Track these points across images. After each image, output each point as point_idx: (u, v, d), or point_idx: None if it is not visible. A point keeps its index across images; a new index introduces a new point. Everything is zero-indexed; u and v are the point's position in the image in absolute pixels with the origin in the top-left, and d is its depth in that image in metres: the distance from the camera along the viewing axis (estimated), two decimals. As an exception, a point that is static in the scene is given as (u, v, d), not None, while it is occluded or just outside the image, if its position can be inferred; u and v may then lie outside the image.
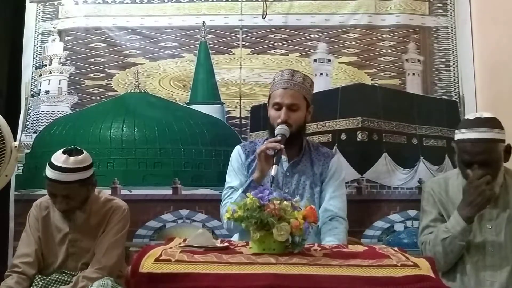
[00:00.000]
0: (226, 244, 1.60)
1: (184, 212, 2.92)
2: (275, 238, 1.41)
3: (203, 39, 3.04)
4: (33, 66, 3.09)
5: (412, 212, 2.87)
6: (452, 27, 3.04)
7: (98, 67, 3.05)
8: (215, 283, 1.27)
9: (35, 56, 3.10)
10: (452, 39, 3.03)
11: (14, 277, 2.08)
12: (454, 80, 3.00)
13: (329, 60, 3.02)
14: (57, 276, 2.14)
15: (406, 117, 2.96)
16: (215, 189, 2.83)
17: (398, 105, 2.98)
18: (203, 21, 3.05)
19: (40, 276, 2.14)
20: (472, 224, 1.96)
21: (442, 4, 3.06)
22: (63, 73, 3.06)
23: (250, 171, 2.18)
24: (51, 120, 3.01)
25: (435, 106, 2.98)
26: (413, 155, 2.94)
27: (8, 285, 2.04)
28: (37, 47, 3.11)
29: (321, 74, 3.01)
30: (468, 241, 1.99)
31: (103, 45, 3.06)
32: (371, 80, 3.00)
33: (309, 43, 3.03)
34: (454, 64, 3.00)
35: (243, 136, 2.95)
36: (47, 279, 2.13)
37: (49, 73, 3.07)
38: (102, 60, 3.05)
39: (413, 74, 3.01)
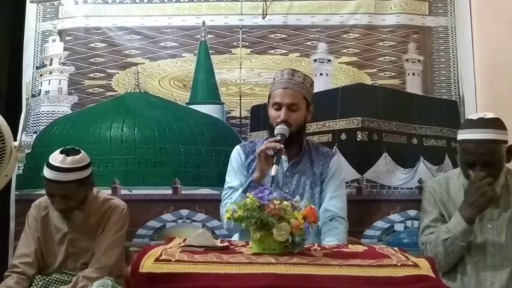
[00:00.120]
0: (226, 244, 1.60)
1: (184, 212, 2.92)
2: (275, 238, 1.41)
3: (203, 39, 3.04)
4: (33, 66, 3.09)
5: (412, 212, 2.87)
6: (452, 27, 3.04)
7: (98, 67, 3.05)
8: (215, 283, 1.27)
9: (35, 56, 3.10)
10: (452, 39, 3.03)
11: (14, 277, 2.08)
12: (454, 80, 3.00)
13: (329, 60, 3.02)
14: (57, 276, 2.14)
15: (406, 117, 2.96)
16: (215, 189, 2.83)
17: (398, 105, 2.98)
18: (203, 21, 3.05)
19: (40, 276, 2.14)
20: (473, 225, 1.96)
21: (442, 4, 3.06)
22: (63, 73, 3.06)
23: (250, 171, 2.18)
24: (51, 120, 3.01)
25: (435, 106, 2.98)
26: (413, 155, 2.94)
27: (8, 285, 2.05)
28: (37, 47, 3.11)
29: (321, 74, 3.01)
30: (469, 241, 1.99)
31: (103, 45, 3.06)
32: (371, 80, 3.00)
33: (309, 43, 3.03)
34: (454, 64, 3.00)
35: (243, 136, 2.95)
36: (47, 279, 2.13)
37: (49, 73, 3.07)
38: (102, 60, 3.05)
39: (413, 74, 3.01)
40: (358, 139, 2.92)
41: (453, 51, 3.02)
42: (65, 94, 3.04)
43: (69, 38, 3.09)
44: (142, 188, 2.91)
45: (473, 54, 2.96)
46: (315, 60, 3.02)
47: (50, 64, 3.07)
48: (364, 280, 1.27)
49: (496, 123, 1.97)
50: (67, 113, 3.02)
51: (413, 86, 3.00)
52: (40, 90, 3.06)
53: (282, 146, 1.99)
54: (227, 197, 2.16)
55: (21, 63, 3.08)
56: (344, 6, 3.05)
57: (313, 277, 1.28)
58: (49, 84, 3.05)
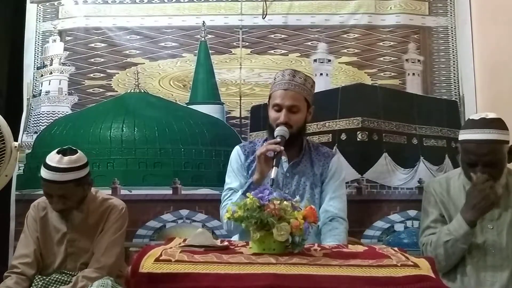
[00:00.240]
0: (226, 243, 1.60)
1: (184, 212, 2.92)
2: (275, 238, 1.41)
3: (203, 39, 3.04)
4: (34, 67, 3.09)
5: (412, 212, 2.87)
6: (452, 27, 3.04)
7: (98, 67, 3.05)
8: (215, 283, 1.27)
9: (36, 56, 3.10)
10: (452, 39, 3.03)
11: (14, 277, 2.08)
12: (454, 80, 3.00)
13: (329, 60, 3.02)
14: (56, 276, 2.14)
15: (406, 117, 2.96)
16: (215, 189, 2.83)
17: (398, 105, 2.98)
18: (203, 21, 3.05)
19: (39, 276, 2.14)
20: (475, 228, 1.96)
21: (442, 4, 3.06)
22: (63, 73, 3.06)
23: (249, 172, 2.18)
24: (52, 120, 3.02)
25: (435, 106, 2.98)
26: (413, 155, 2.94)
27: (8, 285, 2.05)
28: (38, 48, 3.11)
29: (321, 74, 3.01)
30: (470, 243, 1.99)
31: (103, 45, 3.06)
32: (371, 80, 3.00)
33: (309, 43, 3.03)
34: (454, 64, 3.00)
35: (243, 136, 2.95)
36: (47, 279, 2.13)
37: (49, 74, 3.07)
38: (102, 60, 3.05)
39: (413, 74, 3.01)
40: (358, 139, 2.92)
41: (453, 51, 3.02)
42: (65, 94, 3.05)
43: (69, 38, 3.09)
44: (142, 188, 2.91)
45: (473, 54, 2.96)
46: (315, 60, 3.02)
47: (51, 64, 3.07)
48: (364, 280, 1.27)
49: (498, 123, 1.97)
50: (67, 113, 3.03)
51: (413, 86, 3.00)
52: (41, 90, 3.06)
53: (282, 148, 1.98)
54: (227, 198, 2.16)
55: (21, 63, 3.08)
56: (344, 6, 3.05)
57: (313, 277, 1.28)
58: (49, 84, 3.06)
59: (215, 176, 2.87)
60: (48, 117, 3.02)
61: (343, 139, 2.92)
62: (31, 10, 3.12)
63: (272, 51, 3.03)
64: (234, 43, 3.04)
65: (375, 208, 2.90)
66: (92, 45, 3.07)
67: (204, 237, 1.54)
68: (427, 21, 3.05)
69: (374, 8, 3.04)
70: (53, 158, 2.07)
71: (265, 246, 1.44)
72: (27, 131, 3.00)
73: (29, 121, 3.01)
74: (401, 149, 2.94)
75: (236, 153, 2.25)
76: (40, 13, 3.13)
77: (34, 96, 3.06)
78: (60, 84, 3.05)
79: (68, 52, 3.07)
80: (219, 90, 3.01)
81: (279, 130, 2.06)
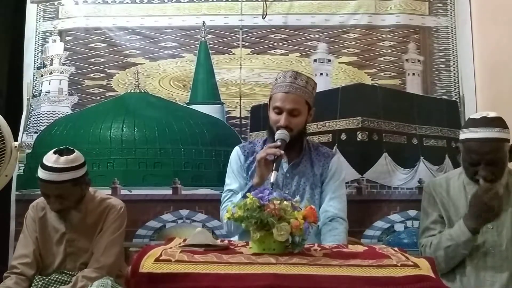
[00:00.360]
0: (226, 242, 1.60)
1: (184, 212, 2.92)
2: (275, 238, 1.41)
3: (203, 39, 3.04)
4: (34, 67, 3.09)
5: (412, 212, 2.87)
6: (452, 27, 3.04)
7: (98, 67, 3.05)
8: (215, 283, 1.27)
9: (36, 56, 3.11)
10: (452, 39, 3.03)
11: (13, 278, 2.08)
12: (454, 80, 3.00)
13: (329, 60, 3.02)
14: (56, 276, 2.14)
15: (406, 117, 2.96)
16: (215, 189, 2.83)
17: (398, 105, 2.98)
18: (203, 21, 3.05)
19: (39, 276, 2.14)
20: (477, 235, 1.96)
21: (442, 4, 3.06)
22: (63, 73, 3.06)
23: (249, 172, 2.18)
24: (52, 121, 3.02)
25: (435, 106, 2.98)
26: (413, 155, 2.94)
27: (7, 286, 2.05)
28: (38, 48, 3.11)
29: (321, 74, 3.01)
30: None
31: (103, 45, 3.06)
32: (371, 80, 3.00)
33: (309, 43, 3.03)
34: (454, 64, 3.00)
35: (243, 136, 2.95)
36: (47, 279, 2.13)
37: (49, 74, 3.07)
38: (102, 60, 3.05)
39: (413, 74, 3.01)
40: (358, 139, 2.92)
41: (453, 51, 3.02)
42: (66, 94, 3.05)
43: (69, 38, 3.10)
44: (142, 188, 2.91)
45: (473, 54, 2.97)
46: (315, 60, 3.02)
47: (51, 64, 3.08)
48: (364, 280, 1.27)
49: (499, 122, 1.97)
50: (67, 113, 3.03)
51: (413, 86, 3.00)
52: (41, 90, 3.06)
53: (283, 152, 1.98)
54: (227, 199, 2.16)
55: (21, 63, 3.08)
56: (344, 6, 3.05)
57: (313, 277, 1.28)
58: (49, 84, 3.06)
59: (215, 176, 2.87)
60: (48, 117, 3.02)
61: (343, 139, 2.92)
62: (31, 10, 3.12)
63: (272, 51, 3.03)
64: (234, 43, 3.04)
65: (375, 208, 2.90)
66: (92, 45, 3.07)
67: (204, 236, 1.55)
68: (427, 21, 3.05)
69: (374, 8, 3.04)
70: (50, 158, 2.07)
71: (265, 246, 1.44)
72: (27, 131, 3.00)
73: (29, 121, 3.01)
74: (401, 149, 2.94)
75: (236, 154, 2.25)
76: (40, 13, 3.13)
77: (34, 96, 3.06)
78: (60, 84, 3.05)
79: (68, 52, 3.07)
80: (219, 90, 3.01)
81: (279, 134, 2.05)
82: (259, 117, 2.92)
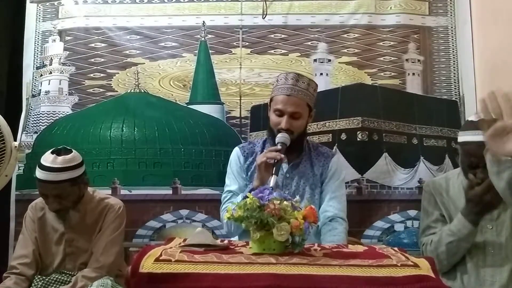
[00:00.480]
0: (226, 242, 1.60)
1: (184, 212, 2.92)
2: (275, 238, 1.41)
3: (203, 39, 3.04)
4: (33, 66, 3.09)
5: (412, 212, 2.87)
6: (452, 27, 3.04)
7: (98, 67, 3.05)
8: (215, 283, 1.26)
9: (35, 56, 3.11)
10: (452, 39, 3.03)
11: (13, 278, 2.08)
12: (454, 80, 3.00)
13: (329, 60, 3.02)
14: (56, 276, 2.14)
15: (406, 117, 2.96)
16: (215, 189, 2.83)
17: (398, 105, 2.98)
18: (203, 21, 3.05)
19: (39, 276, 2.14)
20: (477, 226, 1.96)
21: (442, 4, 3.06)
22: (63, 73, 3.06)
23: (249, 173, 2.18)
24: (52, 120, 3.02)
25: (435, 106, 2.98)
26: (413, 155, 2.94)
27: (7, 286, 2.05)
28: (37, 47, 3.11)
29: (321, 74, 3.01)
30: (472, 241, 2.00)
31: (103, 45, 3.06)
32: (371, 80, 3.00)
33: (309, 43, 3.03)
34: (454, 64, 3.01)
35: (243, 136, 2.95)
36: (46, 279, 2.13)
37: (49, 73, 3.07)
38: (102, 60, 3.05)
39: (413, 74, 3.01)
40: (358, 139, 2.92)
41: (453, 51, 3.02)
42: (66, 94, 3.05)
43: (69, 38, 3.10)
44: (142, 188, 2.91)
45: (473, 54, 2.96)
46: (315, 60, 3.02)
47: (50, 64, 3.07)
48: (364, 280, 1.27)
49: None
50: (67, 113, 3.03)
51: (413, 86, 3.01)
52: (40, 90, 3.06)
53: (283, 156, 1.98)
54: (227, 200, 2.16)
55: (21, 63, 3.08)
56: (344, 6, 3.05)
57: (313, 277, 1.28)
58: (49, 84, 3.06)
59: (215, 176, 2.87)
60: (48, 117, 3.02)
61: (343, 139, 2.92)
62: (31, 10, 3.12)
63: (272, 51, 3.03)
64: (234, 43, 3.04)
65: (375, 208, 2.90)
66: (92, 45, 3.07)
67: (204, 236, 1.55)
68: (427, 21, 3.05)
69: (374, 8, 3.04)
70: (47, 158, 2.07)
71: (265, 246, 1.44)
72: (26, 131, 2.99)
73: (29, 121, 3.01)
74: (401, 149, 2.94)
75: (236, 154, 2.25)
76: (40, 13, 3.13)
77: (33, 95, 3.06)
78: (60, 84, 3.05)
79: (68, 52, 3.07)
80: (219, 90, 3.01)
81: (280, 137, 2.05)
82: (259, 117, 2.92)
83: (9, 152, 2.46)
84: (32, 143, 2.99)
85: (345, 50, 3.02)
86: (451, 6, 3.05)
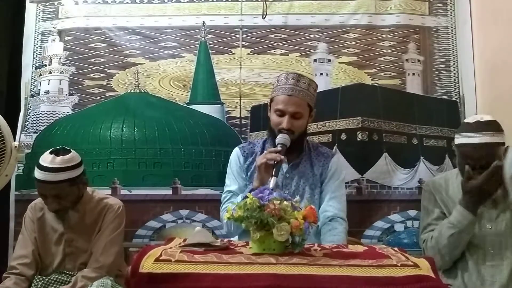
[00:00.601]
0: (226, 242, 1.60)
1: (184, 212, 2.92)
2: (275, 238, 1.41)
3: (203, 39, 3.04)
4: (33, 66, 3.09)
5: (412, 212, 2.87)
6: (452, 27, 3.04)
7: (98, 67, 3.05)
8: (215, 283, 1.27)
9: (35, 56, 3.10)
10: (452, 39, 3.03)
11: (12, 278, 2.07)
12: (454, 80, 3.00)
13: (329, 60, 3.02)
14: (56, 276, 2.14)
15: (406, 117, 2.96)
16: (215, 189, 2.83)
17: (398, 105, 2.98)
18: (203, 21, 3.05)
19: (39, 276, 2.14)
20: (477, 217, 1.97)
21: (442, 4, 3.06)
22: (63, 73, 3.06)
23: (249, 173, 2.18)
24: (52, 120, 3.01)
25: (435, 106, 2.98)
26: (413, 155, 2.94)
27: (7, 286, 2.04)
28: (37, 47, 3.11)
29: (321, 74, 3.01)
30: (468, 241, 2.00)
31: (103, 45, 3.06)
32: (371, 80, 3.00)
33: (309, 43, 3.03)
34: (454, 64, 3.00)
35: (243, 136, 2.95)
36: (46, 280, 2.13)
37: (48, 73, 3.07)
38: (102, 60, 3.05)
39: (413, 74, 3.01)
40: (358, 139, 2.92)
41: (453, 51, 3.02)
42: (66, 94, 3.04)
43: (69, 38, 3.10)
44: (142, 188, 2.91)
45: (473, 54, 2.96)
46: (315, 60, 3.02)
47: (50, 64, 3.07)
48: (364, 280, 1.27)
49: (492, 126, 1.97)
50: (67, 113, 3.02)
51: (413, 86, 3.01)
52: (39, 90, 3.06)
53: (283, 157, 1.98)
54: (227, 200, 2.16)
55: (20, 63, 3.08)
56: (344, 6, 3.05)
57: (313, 277, 1.28)
58: (48, 84, 3.05)
59: (215, 176, 2.87)
60: (48, 117, 3.02)
61: (343, 139, 2.92)
62: (31, 10, 3.12)
63: (272, 51, 3.03)
64: (234, 43, 3.04)
65: (375, 208, 2.90)
66: (92, 45, 3.06)
67: (203, 235, 1.55)
68: (427, 21, 3.05)
69: (374, 8, 3.04)
70: (46, 158, 2.07)
71: (265, 246, 1.44)
72: (25, 131, 2.99)
73: (28, 121, 3.01)
74: (401, 149, 2.94)
75: (235, 154, 2.25)
76: (39, 12, 3.13)
77: (32, 95, 3.06)
78: (60, 84, 3.05)
79: (68, 52, 3.07)
80: (219, 90, 3.01)
81: (280, 138, 2.05)
82: (259, 117, 2.92)
83: (9, 152, 2.46)
84: (31, 143, 2.99)
85: (345, 50, 3.02)
86: (451, 6, 3.05)
